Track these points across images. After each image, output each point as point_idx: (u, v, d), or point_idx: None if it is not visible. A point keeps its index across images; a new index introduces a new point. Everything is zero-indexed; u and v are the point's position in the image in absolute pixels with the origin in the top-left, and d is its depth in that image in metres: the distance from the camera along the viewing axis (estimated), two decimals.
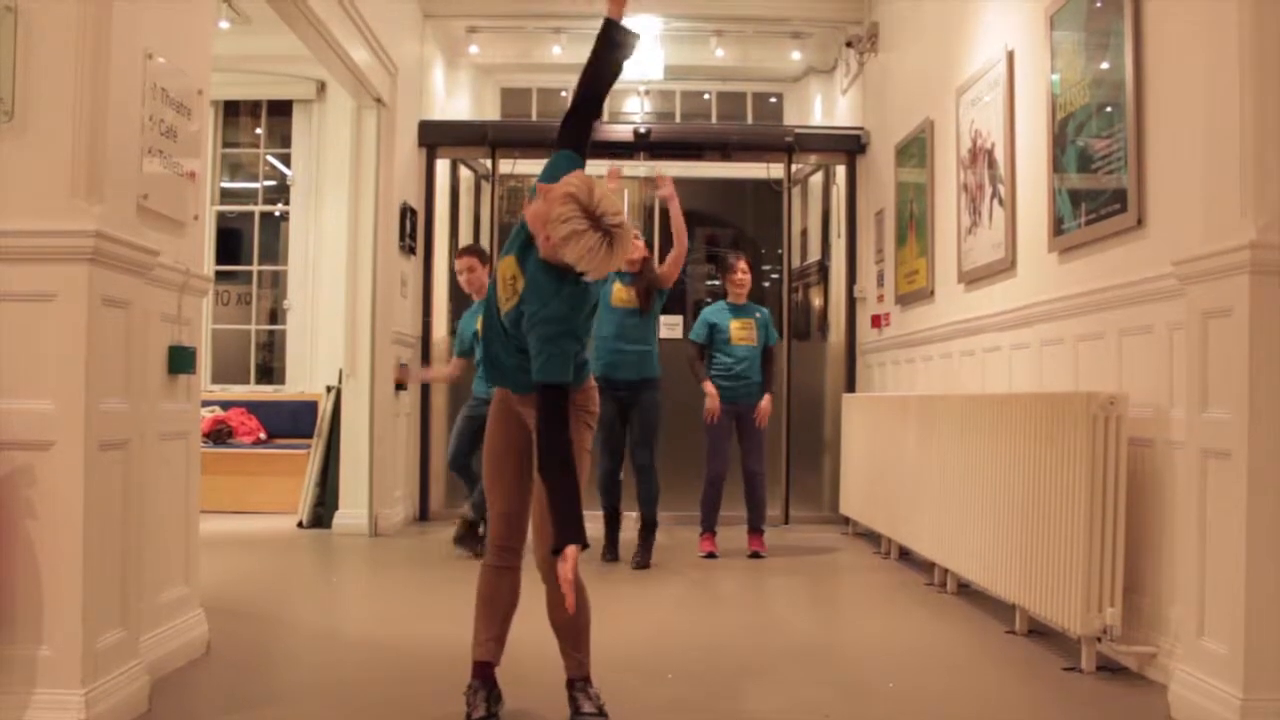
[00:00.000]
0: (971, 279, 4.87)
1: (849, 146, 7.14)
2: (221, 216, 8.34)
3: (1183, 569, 2.89)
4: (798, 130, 7.33)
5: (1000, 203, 4.49)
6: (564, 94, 8.32)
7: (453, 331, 6.69)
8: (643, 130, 7.20)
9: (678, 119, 8.73)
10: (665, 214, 5.20)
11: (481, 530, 5.23)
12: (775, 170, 7.38)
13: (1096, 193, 3.59)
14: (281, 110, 8.42)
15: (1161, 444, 3.14)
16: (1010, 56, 4.42)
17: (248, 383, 8.33)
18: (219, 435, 7.42)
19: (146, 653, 2.88)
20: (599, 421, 2.82)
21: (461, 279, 5.43)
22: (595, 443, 2.91)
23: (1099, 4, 3.60)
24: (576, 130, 2.64)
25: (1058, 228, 3.89)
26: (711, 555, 5.46)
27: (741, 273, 5.63)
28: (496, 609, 2.72)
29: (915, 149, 5.81)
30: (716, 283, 8.85)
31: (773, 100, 8.98)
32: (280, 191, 8.48)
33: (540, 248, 2.48)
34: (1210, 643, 2.67)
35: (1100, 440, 3.14)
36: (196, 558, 3.39)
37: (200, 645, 3.33)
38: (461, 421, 5.47)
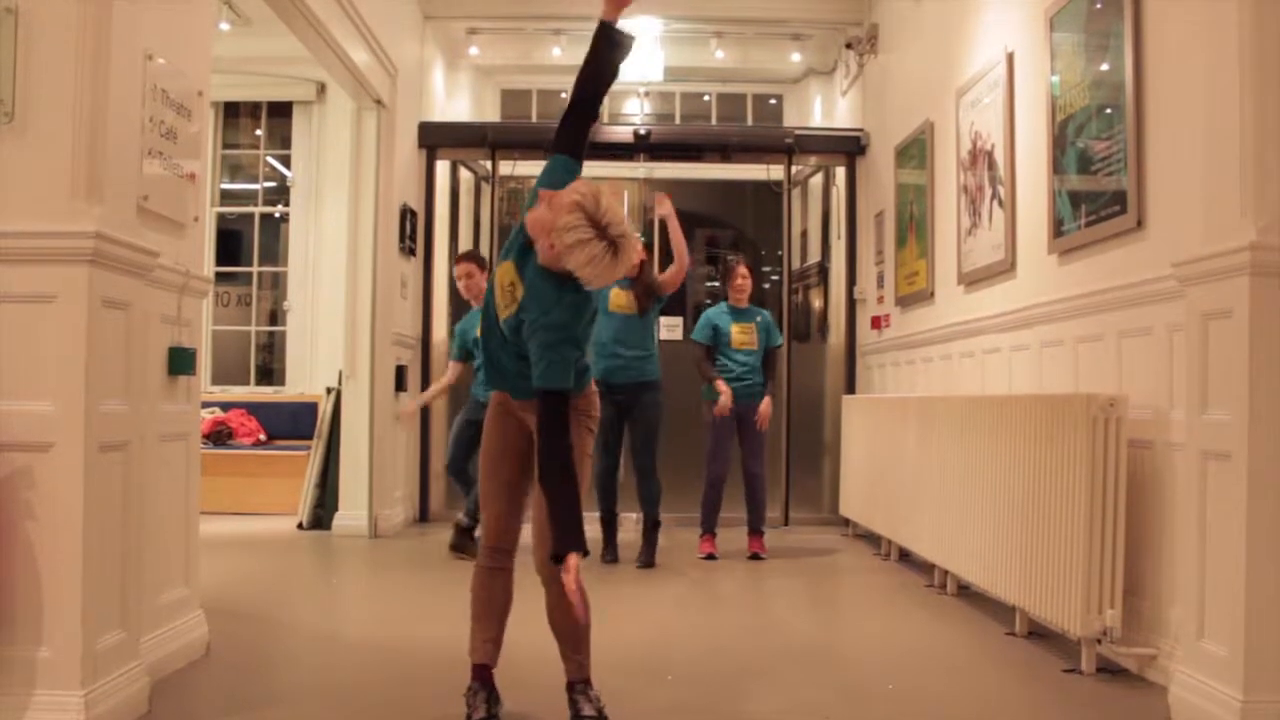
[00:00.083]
0: (971, 280, 4.87)
1: (849, 148, 7.15)
2: (221, 218, 8.35)
3: (1183, 571, 2.88)
4: (798, 132, 7.34)
5: (1000, 204, 4.49)
6: (564, 95, 8.27)
7: (452, 334, 6.69)
8: (643, 132, 7.20)
9: (678, 120, 8.73)
10: (665, 223, 5.19)
11: (477, 533, 5.21)
12: (775, 172, 7.38)
13: (1096, 194, 3.59)
14: (281, 112, 8.43)
15: (1161, 446, 3.14)
16: (1010, 58, 4.42)
17: (248, 384, 8.33)
18: (219, 436, 7.43)
19: (146, 654, 2.88)
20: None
21: (460, 285, 5.44)
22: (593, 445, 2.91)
23: (1099, 5, 3.60)
24: (573, 132, 2.63)
25: (1057, 229, 3.89)
26: (711, 557, 5.45)
27: (741, 278, 5.63)
28: (491, 610, 2.72)
29: (915, 150, 5.81)
30: (717, 284, 8.85)
31: (772, 102, 8.99)
32: (280, 193, 8.48)
33: (540, 254, 2.47)
34: (1210, 644, 2.66)
35: (1100, 442, 3.14)
36: (196, 559, 3.39)
37: (200, 647, 3.33)
38: (459, 426, 5.46)
